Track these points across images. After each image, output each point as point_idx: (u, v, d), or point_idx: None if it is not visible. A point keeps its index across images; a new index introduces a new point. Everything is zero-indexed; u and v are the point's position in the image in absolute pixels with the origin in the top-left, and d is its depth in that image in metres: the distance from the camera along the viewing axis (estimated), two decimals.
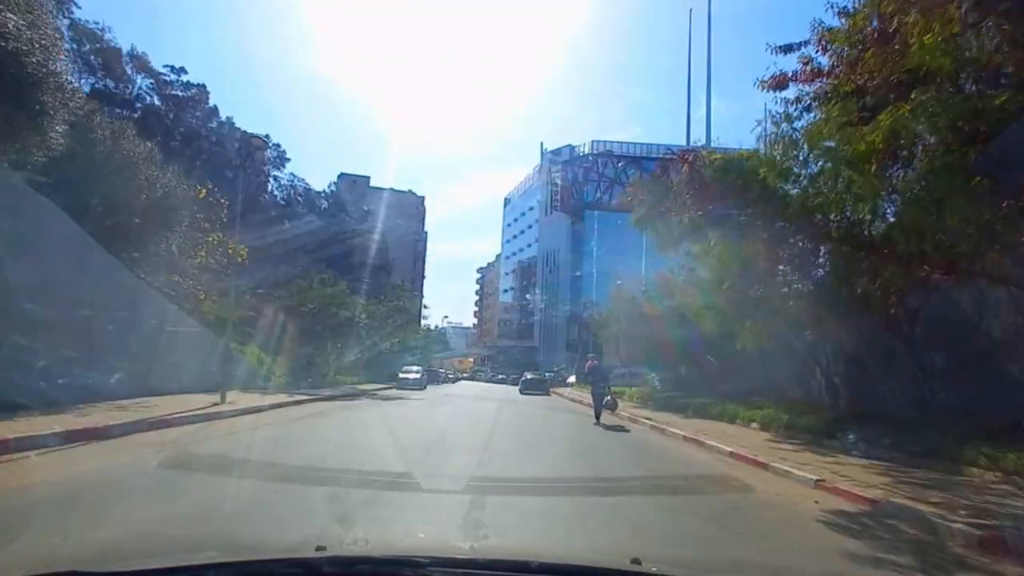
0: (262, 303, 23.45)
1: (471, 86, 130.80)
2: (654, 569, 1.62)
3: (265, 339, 23.43)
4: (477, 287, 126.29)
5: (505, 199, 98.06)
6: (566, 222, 71.73)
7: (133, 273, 13.86)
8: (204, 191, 16.89)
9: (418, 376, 31.33)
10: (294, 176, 43.54)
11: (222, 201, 17.18)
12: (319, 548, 1.65)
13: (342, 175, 77.93)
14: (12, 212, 10.33)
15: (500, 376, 72.72)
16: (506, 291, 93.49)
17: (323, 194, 46.38)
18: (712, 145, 11.48)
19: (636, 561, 1.59)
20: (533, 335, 77.72)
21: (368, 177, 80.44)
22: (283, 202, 38.94)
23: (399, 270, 75.47)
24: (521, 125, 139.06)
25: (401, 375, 31.16)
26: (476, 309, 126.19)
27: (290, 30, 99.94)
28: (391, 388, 30.20)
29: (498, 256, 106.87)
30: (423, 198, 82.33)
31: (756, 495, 6.47)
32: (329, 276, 25.96)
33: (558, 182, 72.79)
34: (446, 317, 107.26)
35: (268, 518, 4.49)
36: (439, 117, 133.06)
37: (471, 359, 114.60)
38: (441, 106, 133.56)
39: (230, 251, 16.89)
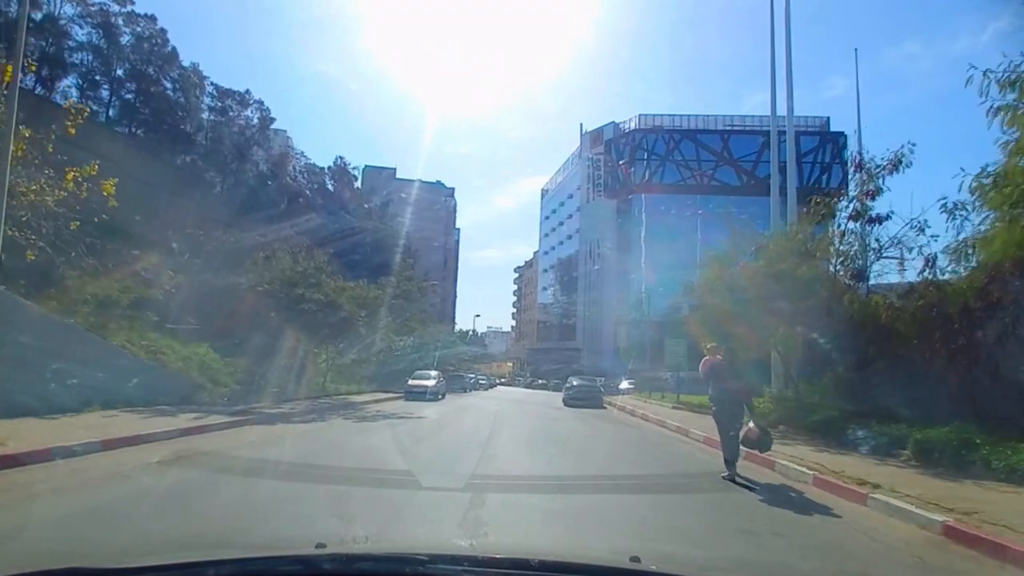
0: (206, 281, 17.17)
1: (502, 77, 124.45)
2: (653, 567, 1.62)
3: (216, 333, 17.15)
4: (515, 287, 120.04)
5: (542, 191, 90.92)
6: (610, 209, 63.92)
7: None
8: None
9: (433, 383, 24.55)
10: (288, 141, 36.42)
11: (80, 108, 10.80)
12: (319, 545, 1.68)
13: (367, 167, 73.06)
14: None
15: (540, 381, 65.55)
16: (545, 289, 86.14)
17: (328, 170, 40.28)
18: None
19: (635, 559, 1.59)
20: (575, 336, 70.06)
21: (394, 168, 75.15)
22: (270, 172, 32.99)
23: (427, 267, 69.56)
24: (559, 112, 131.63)
25: (411, 382, 24.47)
26: (514, 311, 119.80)
27: (305, 16, 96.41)
28: (398, 399, 23.56)
29: (536, 253, 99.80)
30: (452, 190, 76.44)
31: None
32: (306, 248, 19.42)
33: (600, 164, 65.11)
34: (477, 316, 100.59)
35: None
36: (469, 114, 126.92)
37: (510, 363, 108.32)
38: (472, 101, 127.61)
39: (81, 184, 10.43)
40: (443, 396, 26.04)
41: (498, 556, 1.60)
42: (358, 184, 45.07)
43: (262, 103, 31.94)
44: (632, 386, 40.89)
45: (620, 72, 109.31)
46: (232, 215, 22.95)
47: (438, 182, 72.47)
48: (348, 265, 35.39)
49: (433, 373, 25.88)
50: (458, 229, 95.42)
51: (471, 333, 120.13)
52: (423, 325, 38.50)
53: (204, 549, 2.15)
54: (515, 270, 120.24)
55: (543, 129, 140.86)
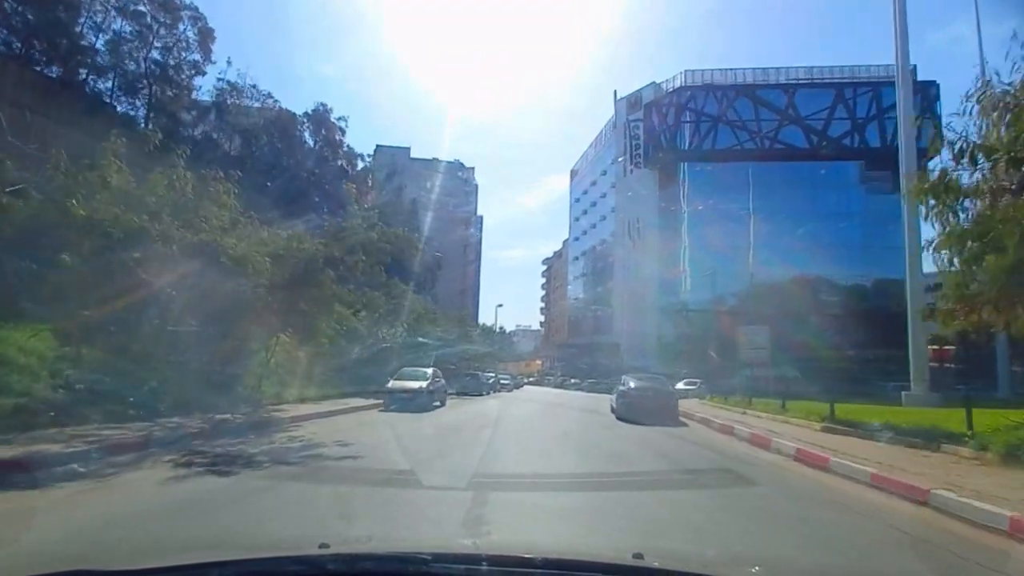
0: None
1: (524, 72, 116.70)
2: (656, 564, 1.62)
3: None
4: (543, 280, 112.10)
5: (571, 172, 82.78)
6: (652, 182, 55.41)
7: None
8: None
9: (422, 385, 17.06)
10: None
11: None
12: (322, 545, 1.66)
13: (379, 147, 66.36)
14: None
15: (572, 381, 57.76)
16: (575, 279, 77.97)
17: (305, 118, 32.50)
18: None
19: (638, 556, 1.58)
20: (612, 330, 61.76)
21: (408, 148, 68.22)
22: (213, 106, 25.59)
23: (445, 254, 62.43)
24: (584, 109, 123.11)
25: (394, 384, 17.05)
26: (543, 305, 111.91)
27: None
28: (372, 408, 16.19)
29: (565, 243, 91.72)
30: (472, 170, 68.99)
31: None
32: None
33: (640, 130, 56.65)
34: (500, 306, 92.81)
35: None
36: (492, 111, 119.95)
37: (539, 361, 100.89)
38: (494, 98, 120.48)
39: None
40: (442, 402, 18.59)
41: (502, 554, 1.60)
42: (343, 138, 37.44)
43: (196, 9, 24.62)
44: (692, 387, 32.59)
45: (652, 46, 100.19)
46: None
47: (456, 161, 65.48)
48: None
49: (426, 371, 18.35)
50: (480, 217, 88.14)
51: (499, 331, 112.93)
52: (431, 315, 31.25)
53: (207, 550, 2.14)
54: (543, 262, 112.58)
55: (570, 124, 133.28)
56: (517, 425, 14.04)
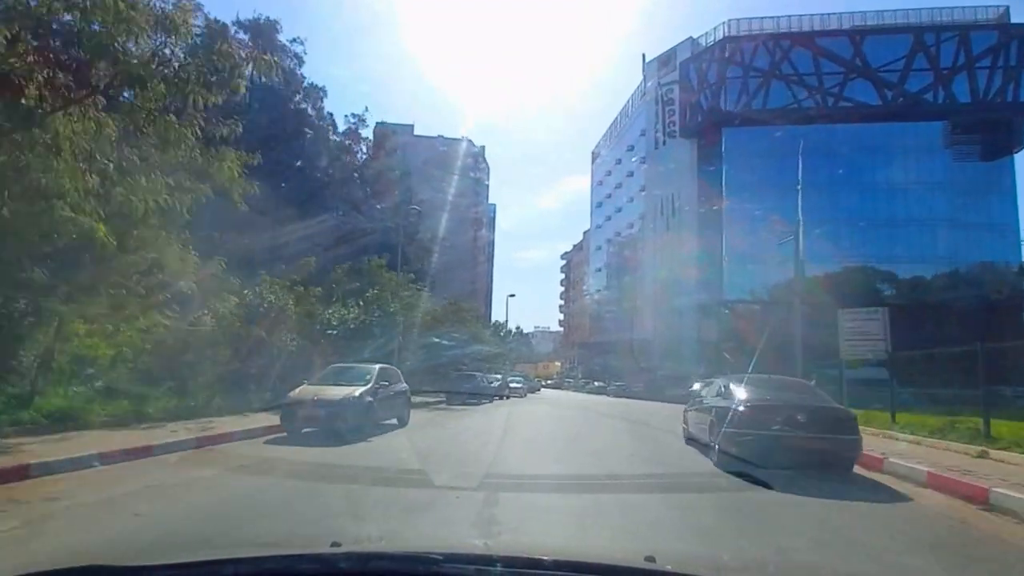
0: None
1: (543, 72, 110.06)
2: (669, 567, 1.59)
3: None
4: (562, 276, 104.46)
5: (592, 154, 75.21)
6: (689, 152, 47.54)
7: None
8: None
9: (354, 395, 9.78)
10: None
11: None
12: (334, 544, 1.67)
13: (379, 123, 59.65)
14: None
15: (596, 384, 50.29)
16: (598, 271, 70.23)
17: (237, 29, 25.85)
18: None
19: (650, 559, 1.54)
20: (640, 326, 53.94)
21: (411, 125, 61.42)
22: None
23: (453, 242, 55.40)
24: (613, 82, 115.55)
25: (299, 392, 9.81)
26: (561, 303, 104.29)
27: None
28: (263, 436, 9.08)
29: (586, 233, 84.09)
30: (482, 148, 61.80)
31: None
32: None
33: (675, 94, 48.86)
34: (511, 295, 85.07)
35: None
36: (508, 109, 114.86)
37: (557, 363, 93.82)
38: (512, 97, 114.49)
39: None
40: (401, 419, 11.49)
41: (512, 555, 1.59)
42: (323, 105, 31.61)
43: None
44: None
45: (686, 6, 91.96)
46: None
47: (464, 138, 58.28)
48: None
49: (370, 369, 11.03)
50: (493, 205, 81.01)
51: (515, 330, 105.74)
52: (417, 298, 24.10)
53: (222, 548, 2.14)
54: (562, 256, 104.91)
55: (590, 124, 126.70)
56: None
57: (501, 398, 27.64)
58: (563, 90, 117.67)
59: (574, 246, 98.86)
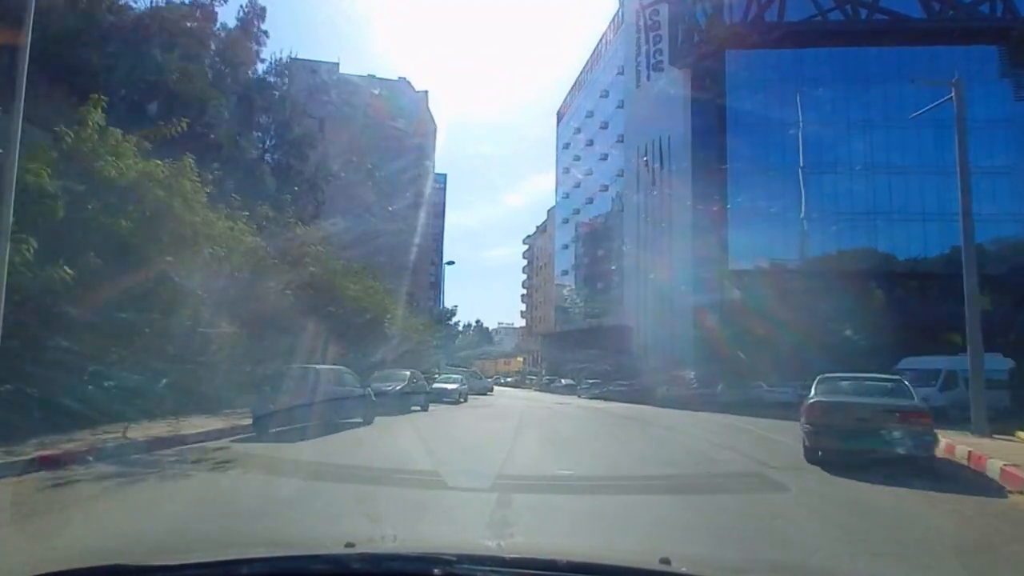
0: None
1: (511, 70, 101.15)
2: (684, 569, 1.59)
3: None
4: (524, 262, 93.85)
5: (558, 114, 64.79)
6: (681, 86, 37.35)
7: None
8: None
9: None
10: None
11: None
12: (348, 544, 1.66)
13: (294, 59, 47.50)
14: None
15: (563, 382, 40.12)
16: (565, 247, 59.82)
17: None
18: None
19: (665, 561, 1.53)
20: (623, 308, 43.76)
21: (336, 63, 49.39)
22: None
23: (385, 201, 43.99)
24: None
25: None
26: (524, 292, 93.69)
27: None
28: None
29: (551, 211, 73.71)
30: (425, 93, 50.23)
31: None
32: None
33: (660, 18, 38.72)
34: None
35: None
36: (476, 108, 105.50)
37: (520, 358, 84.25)
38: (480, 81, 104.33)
39: None
40: None
41: (526, 556, 1.59)
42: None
43: None
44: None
45: None
46: None
47: (401, 78, 46.48)
48: None
49: None
50: (444, 176, 69.61)
51: (473, 325, 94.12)
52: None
53: (236, 547, 2.10)
54: (524, 241, 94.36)
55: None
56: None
57: (419, 407, 16.87)
58: (530, 86, 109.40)
59: (537, 227, 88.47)
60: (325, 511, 4.81)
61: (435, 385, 22.97)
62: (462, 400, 23.47)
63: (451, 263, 67.33)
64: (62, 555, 2.54)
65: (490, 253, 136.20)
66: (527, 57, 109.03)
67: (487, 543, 2.98)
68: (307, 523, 4.33)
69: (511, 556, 1.55)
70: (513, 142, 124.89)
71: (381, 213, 43.61)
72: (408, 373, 17.29)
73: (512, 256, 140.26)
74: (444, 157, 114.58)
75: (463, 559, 1.44)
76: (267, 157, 29.97)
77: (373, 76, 46.14)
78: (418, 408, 16.82)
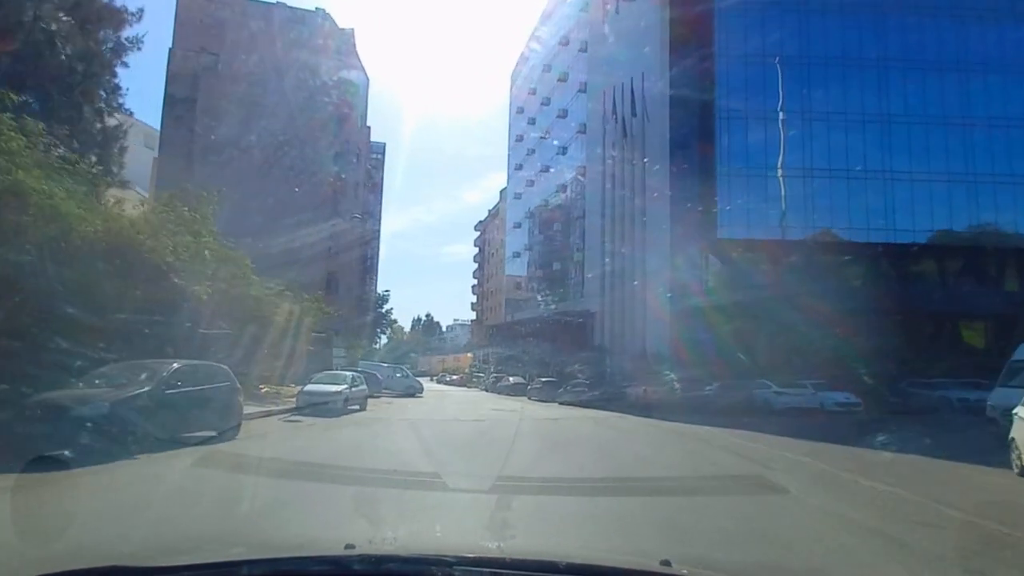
0: None
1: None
2: (684, 571, 1.58)
3: None
4: (476, 251, 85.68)
5: (511, 76, 56.98)
6: (657, 15, 30.12)
7: None
8: None
9: None
10: None
11: None
12: (348, 546, 1.66)
13: None
14: None
15: (511, 381, 32.85)
16: (517, 226, 52.08)
17: None
18: None
19: (666, 563, 1.54)
20: (579, 293, 36.35)
21: None
22: None
23: (310, 155, 35.18)
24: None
25: None
26: (475, 283, 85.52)
27: None
28: None
29: (503, 192, 65.79)
30: (352, 31, 41.35)
31: None
32: None
33: None
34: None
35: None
36: (432, 90, 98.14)
37: (469, 355, 76.66)
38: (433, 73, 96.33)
39: None
40: None
41: (526, 558, 1.57)
42: None
43: None
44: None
45: None
46: None
47: (320, 10, 37.72)
48: None
49: None
50: (383, 144, 60.47)
51: (422, 320, 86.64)
52: None
53: (235, 548, 2.10)
54: (475, 228, 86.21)
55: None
56: None
57: (230, 431, 8.73)
58: (488, 80, 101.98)
59: (489, 212, 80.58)
60: None
61: (307, 387, 15.15)
62: (355, 408, 15.50)
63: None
64: (62, 555, 2.45)
65: (448, 249, 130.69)
66: (476, 25, 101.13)
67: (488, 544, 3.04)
68: None
69: (511, 557, 1.58)
70: (470, 129, 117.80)
71: (301, 169, 34.74)
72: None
73: (470, 251, 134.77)
74: (399, 148, 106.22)
75: (463, 561, 1.45)
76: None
77: (283, 3, 37.21)
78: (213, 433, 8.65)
